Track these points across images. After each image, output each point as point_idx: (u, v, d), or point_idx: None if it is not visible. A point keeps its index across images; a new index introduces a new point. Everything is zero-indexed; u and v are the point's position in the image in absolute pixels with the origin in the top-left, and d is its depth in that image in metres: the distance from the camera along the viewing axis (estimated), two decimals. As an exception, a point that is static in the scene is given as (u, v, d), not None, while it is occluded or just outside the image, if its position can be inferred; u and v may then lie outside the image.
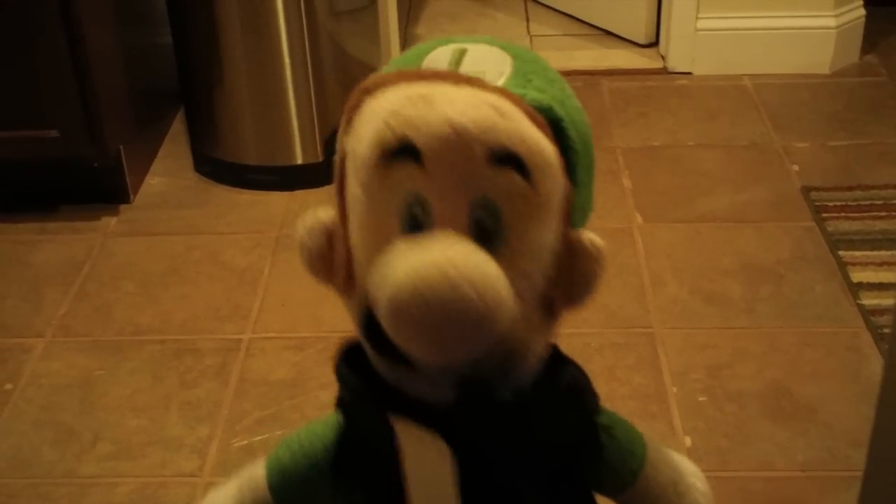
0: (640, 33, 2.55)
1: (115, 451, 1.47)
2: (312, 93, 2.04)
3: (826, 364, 1.57)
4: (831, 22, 2.38)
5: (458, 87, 0.69)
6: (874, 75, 2.40)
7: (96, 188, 2.00)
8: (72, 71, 1.84)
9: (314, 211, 0.74)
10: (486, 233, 0.68)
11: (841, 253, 1.79)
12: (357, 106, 0.71)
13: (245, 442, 1.47)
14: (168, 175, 2.12)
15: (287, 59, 2.00)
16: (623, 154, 2.14)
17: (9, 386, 1.59)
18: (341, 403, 0.80)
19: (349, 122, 0.72)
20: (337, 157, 0.73)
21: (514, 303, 0.68)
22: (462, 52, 0.73)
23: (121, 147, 1.98)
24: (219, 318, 1.71)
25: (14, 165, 1.97)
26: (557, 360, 0.80)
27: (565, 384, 0.78)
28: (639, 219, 1.93)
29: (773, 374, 1.55)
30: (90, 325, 1.71)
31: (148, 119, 2.20)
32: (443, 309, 0.65)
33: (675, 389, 1.53)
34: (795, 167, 2.07)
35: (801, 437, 1.44)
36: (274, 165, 2.07)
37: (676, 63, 2.44)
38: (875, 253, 1.79)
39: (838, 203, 1.93)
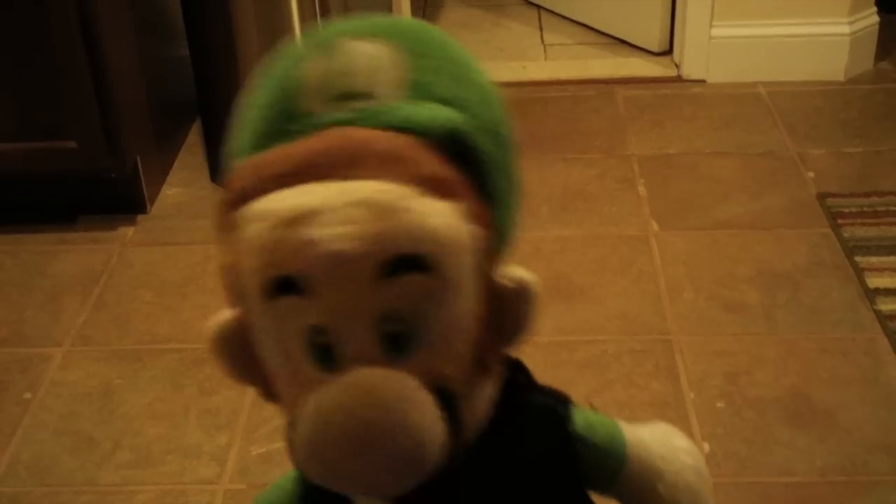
0: (654, 41, 2.56)
1: (135, 460, 1.47)
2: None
3: (843, 370, 1.57)
4: (845, 29, 2.38)
5: (326, 191, 0.61)
6: (889, 82, 2.40)
7: (114, 199, 2.01)
8: (90, 83, 1.85)
9: (217, 317, 0.68)
10: (398, 340, 0.62)
11: (857, 259, 1.79)
12: (228, 224, 0.65)
13: (264, 450, 1.47)
14: (185, 185, 2.13)
15: (303, 70, 2.01)
16: (638, 162, 2.14)
17: (28, 395, 1.60)
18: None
19: (222, 238, 0.66)
20: (222, 268, 0.67)
21: (441, 426, 0.63)
22: (341, 69, 0.64)
23: (138, 158, 1.99)
24: (236, 327, 1.71)
25: (33, 177, 1.98)
26: (511, 390, 0.75)
27: (523, 408, 0.75)
28: (655, 226, 1.93)
29: (791, 381, 1.55)
30: (109, 334, 1.72)
31: (165, 130, 2.21)
32: (370, 465, 0.61)
33: (693, 396, 1.53)
34: (811, 174, 2.06)
35: (820, 442, 1.44)
36: (290, 175, 2.07)
37: (691, 71, 2.45)
38: (891, 259, 1.79)
39: (854, 209, 1.93)
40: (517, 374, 0.77)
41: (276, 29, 1.98)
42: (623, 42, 2.63)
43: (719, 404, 1.51)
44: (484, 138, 0.65)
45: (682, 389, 1.54)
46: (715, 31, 2.41)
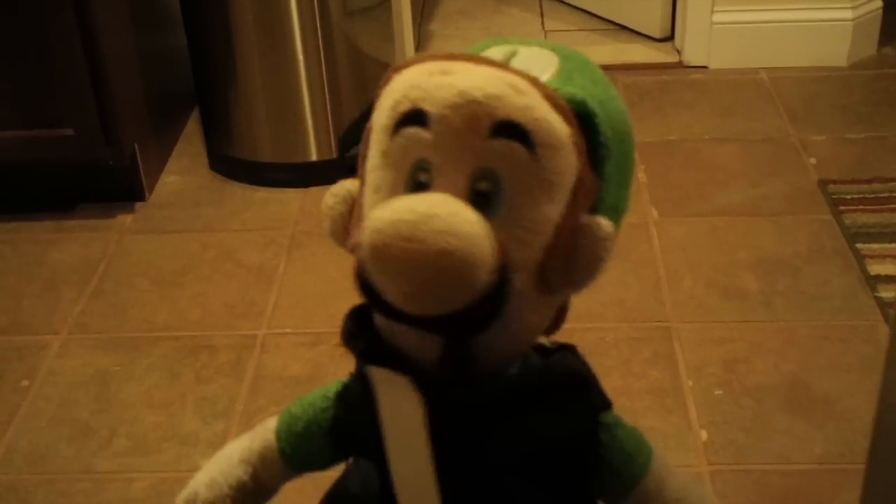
0: (656, 28, 2.54)
1: (132, 447, 1.47)
2: (326, 90, 2.04)
3: (843, 357, 1.56)
4: (848, 14, 2.36)
5: (478, 65, 0.72)
6: (892, 67, 2.38)
7: (112, 187, 2.01)
8: (87, 72, 1.84)
9: (342, 181, 0.78)
10: (486, 199, 0.70)
11: (858, 246, 1.78)
12: (386, 82, 0.75)
13: (260, 438, 1.47)
14: (183, 174, 2.13)
15: (301, 57, 2.00)
16: (639, 148, 2.11)
17: (25, 383, 1.60)
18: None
19: (377, 97, 0.76)
20: (366, 130, 0.77)
21: (494, 261, 0.68)
22: (513, 52, 0.76)
23: (136, 146, 1.99)
24: (234, 315, 1.71)
25: (31, 165, 1.98)
26: (563, 350, 0.80)
27: (563, 372, 0.78)
28: (654, 213, 1.92)
29: (790, 368, 1.55)
30: (106, 322, 1.72)
31: (163, 119, 2.20)
32: (419, 252, 0.66)
33: (691, 383, 1.52)
34: (812, 160, 2.05)
35: (819, 430, 1.43)
36: (288, 163, 2.07)
37: (692, 57, 2.43)
38: (893, 246, 1.78)
39: (856, 196, 1.92)
40: (571, 356, 0.80)
41: (273, 18, 1.97)
42: (624, 28, 2.62)
43: (718, 392, 1.51)
44: (605, 127, 0.73)
45: (681, 377, 1.54)
46: (716, 17, 2.39)
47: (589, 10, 2.71)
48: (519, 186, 0.70)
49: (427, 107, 0.70)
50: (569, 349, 0.81)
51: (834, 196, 1.92)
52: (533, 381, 0.77)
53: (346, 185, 0.77)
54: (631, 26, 2.60)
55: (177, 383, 1.58)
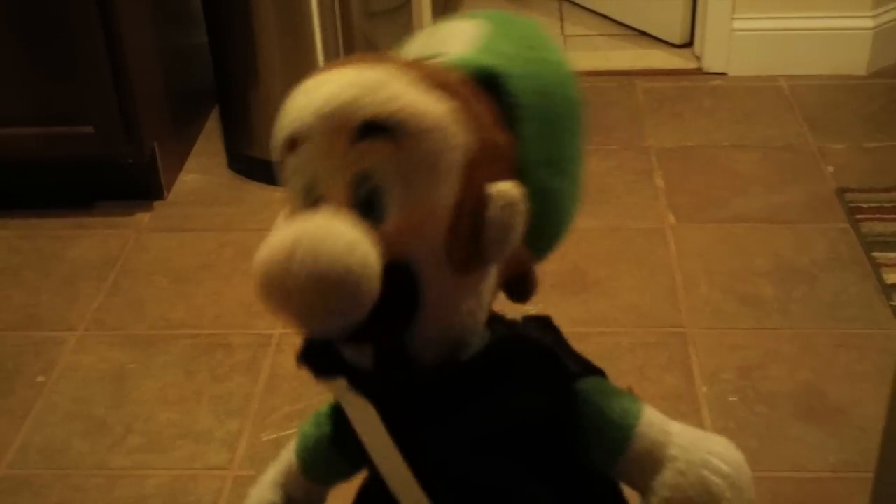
0: (675, 34, 2.54)
1: (146, 444, 1.48)
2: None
3: (859, 366, 1.56)
4: (869, 23, 2.35)
5: (343, 71, 0.73)
6: (912, 77, 2.38)
7: (131, 185, 2.02)
8: (109, 69, 1.86)
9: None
10: (368, 203, 0.71)
11: (875, 254, 1.77)
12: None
13: (274, 436, 1.47)
14: (202, 172, 2.14)
15: (321, 59, 2.01)
16: (657, 154, 2.13)
17: (42, 378, 1.61)
18: None
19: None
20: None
21: (372, 267, 0.69)
22: (433, 33, 0.78)
23: (156, 144, 2.00)
24: (250, 314, 1.72)
25: (51, 162, 1.99)
26: (525, 326, 0.82)
27: (516, 347, 0.78)
28: (672, 219, 1.92)
29: (806, 376, 1.54)
30: (123, 319, 1.73)
31: (183, 117, 2.21)
32: (292, 284, 0.68)
33: (705, 389, 1.52)
34: (830, 168, 2.05)
35: (833, 438, 1.43)
36: (307, 163, 2.08)
37: (711, 63, 2.43)
38: (911, 255, 1.77)
39: (873, 204, 1.91)
40: (533, 328, 0.81)
41: (294, 17, 1.98)
42: (644, 34, 2.61)
43: (732, 398, 1.50)
44: (518, 86, 0.73)
45: (695, 383, 1.53)
46: (736, 24, 2.39)
47: (609, 15, 2.70)
48: (395, 179, 0.70)
49: (297, 129, 0.72)
50: (536, 321, 0.81)
51: (851, 204, 1.91)
52: (487, 360, 0.77)
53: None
54: (651, 32, 2.60)
55: (192, 381, 1.59)
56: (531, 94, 0.74)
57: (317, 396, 1.53)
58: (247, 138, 2.11)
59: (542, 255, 0.79)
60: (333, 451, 0.87)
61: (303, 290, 0.68)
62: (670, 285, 1.74)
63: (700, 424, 1.45)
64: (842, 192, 1.96)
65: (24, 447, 1.48)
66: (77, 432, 1.50)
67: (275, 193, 2.05)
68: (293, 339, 1.71)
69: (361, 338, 0.73)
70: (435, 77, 0.72)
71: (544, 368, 0.78)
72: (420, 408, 0.77)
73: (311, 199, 0.73)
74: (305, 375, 1.64)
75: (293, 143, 0.73)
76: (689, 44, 2.53)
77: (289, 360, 1.62)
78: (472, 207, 0.72)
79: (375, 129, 0.70)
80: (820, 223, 1.88)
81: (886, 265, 1.75)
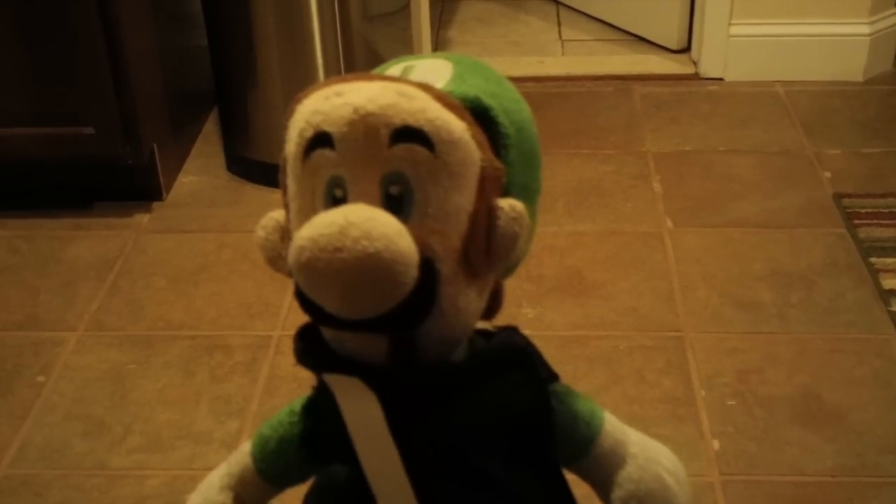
0: (673, 39, 2.55)
1: (146, 444, 1.48)
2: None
3: (856, 371, 1.56)
4: (865, 29, 2.37)
5: (370, 81, 0.77)
6: (908, 83, 2.39)
7: (130, 186, 2.02)
8: (109, 70, 1.86)
9: (269, 213, 0.83)
10: (398, 201, 0.75)
11: (872, 260, 1.78)
12: (291, 114, 0.80)
13: (274, 437, 1.47)
14: (201, 174, 2.14)
15: (320, 61, 2.01)
16: (654, 159, 2.14)
17: (41, 378, 1.61)
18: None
19: (286, 128, 0.81)
20: (281, 161, 0.82)
21: (415, 256, 0.73)
22: (410, 67, 0.82)
23: (155, 146, 2.00)
24: (249, 315, 1.72)
25: (50, 162, 1.99)
26: (501, 331, 0.86)
27: (503, 348, 0.84)
28: (669, 223, 1.93)
29: (803, 380, 1.55)
30: (122, 319, 1.73)
31: (182, 119, 2.22)
32: (342, 261, 0.70)
33: (703, 393, 1.53)
34: (827, 174, 2.06)
35: (831, 443, 1.43)
36: (305, 166, 2.08)
37: (708, 69, 2.44)
38: (907, 260, 1.78)
39: (870, 210, 1.92)
40: (512, 334, 0.86)
41: (293, 20, 1.99)
42: (641, 39, 2.62)
43: (730, 402, 1.51)
44: (502, 117, 0.79)
45: (693, 387, 1.54)
46: (733, 30, 2.40)
47: (606, 20, 2.72)
48: (427, 184, 0.75)
49: (328, 128, 0.75)
50: (510, 329, 0.86)
51: (848, 210, 1.92)
52: (479, 362, 0.83)
53: (273, 216, 0.82)
54: (648, 37, 2.61)
55: (191, 382, 1.59)
56: (511, 127, 0.79)
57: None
58: (245, 140, 2.11)
59: (509, 273, 0.85)
60: (300, 452, 0.88)
61: (354, 269, 0.71)
62: (668, 289, 1.75)
63: (699, 428, 1.46)
64: (839, 197, 1.97)
65: (24, 447, 1.48)
66: (77, 432, 1.50)
67: (273, 195, 2.05)
68: (291, 341, 1.71)
69: (382, 327, 0.75)
70: (445, 99, 0.76)
71: (525, 372, 0.84)
72: (420, 404, 0.80)
73: (331, 197, 0.76)
74: (306, 376, 1.65)
75: (323, 139, 0.75)
76: (686, 49, 2.54)
77: (288, 361, 1.62)
78: (485, 217, 0.77)
79: (411, 134, 0.74)
80: (817, 228, 1.89)
81: (884, 270, 1.76)
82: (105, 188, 2.03)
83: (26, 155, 1.94)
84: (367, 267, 0.71)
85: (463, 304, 0.78)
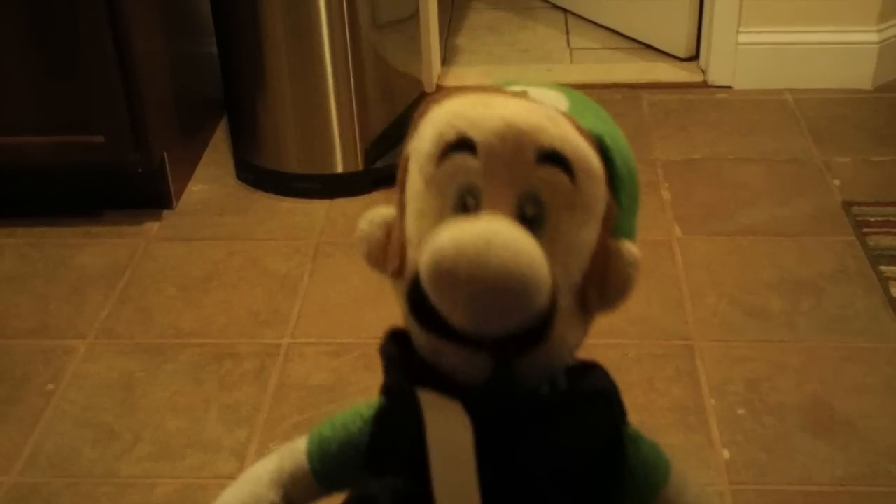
0: (681, 47, 2.55)
1: (155, 452, 1.48)
2: (354, 102, 2.05)
3: (867, 379, 1.56)
4: (874, 37, 2.37)
5: (515, 99, 0.76)
6: (917, 91, 2.38)
7: (140, 194, 2.03)
8: (119, 78, 1.86)
9: (376, 207, 0.81)
10: (530, 223, 0.73)
11: (882, 268, 1.78)
12: (424, 113, 0.79)
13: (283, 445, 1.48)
14: (210, 182, 2.15)
15: (329, 69, 2.02)
16: (663, 166, 2.14)
17: (51, 386, 1.61)
18: (385, 387, 0.84)
19: (416, 126, 0.79)
20: (402, 158, 0.80)
21: (550, 281, 0.72)
22: (524, 91, 0.79)
23: (165, 154, 2.00)
24: (258, 323, 1.73)
25: (60, 170, 2.00)
26: (590, 367, 0.83)
27: (594, 387, 0.82)
28: (678, 231, 1.93)
29: (813, 388, 1.55)
30: (132, 327, 1.73)
31: (192, 127, 2.22)
32: (484, 275, 0.69)
33: (713, 402, 1.52)
34: (837, 182, 2.05)
35: (841, 451, 1.43)
36: (315, 174, 2.09)
37: (717, 77, 2.44)
38: (917, 268, 1.78)
39: (880, 218, 1.92)
40: (596, 371, 0.83)
41: (303, 27, 1.99)
42: (649, 47, 2.62)
43: (740, 411, 1.51)
44: (619, 160, 0.78)
45: (703, 395, 1.54)
46: (742, 38, 2.40)
47: (614, 28, 2.72)
48: (561, 211, 0.74)
49: (474, 135, 0.74)
50: (594, 366, 0.84)
51: (858, 218, 1.92)
52: (570, 399, 0.80)
53: (381, 212, 0.80)
54: (656, 45, 2.61)
55: (201, 390, 1.59)
56: (623, 168, 0.78)
57: (325, 405, 1.54)
58: (254, 149, 2.12)
59: (612, 309, 0.83)
60: (358, 458, 0.86)
61: (494, 284, 0.69)
62: (677, 297, 1.75)
63: (708, 437, 1.46)
64: (848, 205, 1.96)
65: (34, 455, 1.48)
66: (86, 440, 1.51)
67: (282, 203, 2.06)
68: (301, 350, 1.72)
69: (497, 348, 0.74)
70: (584, 132, 0.75)
71: (604, 412, 0.82)
72: (503, 429, 0.78)
73: (461, 205, 0.75)
74: (315, 385, 1.65)
75: (466, 144, 0.74)
76: (694, 57, 2.54)
77: (297, 369, 1.62)
78: (604, 257, 0.76)
79: (556, 158, 0.73)
80: (826, 236, 1.89)
81: (893, 279, 1.75)
82: (115, 196, 2.04)
83: (36, 163, 1.95)
84: (508, 285, 0.69)
85: (569, 338, 0.78)
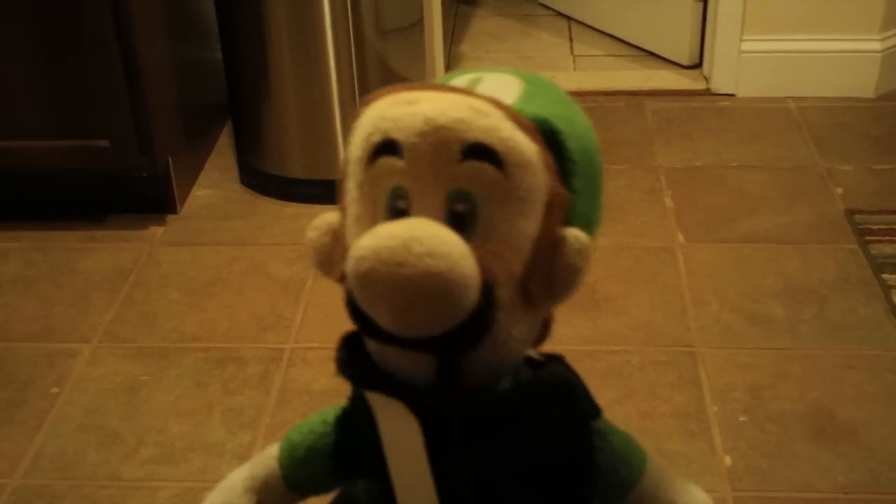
0: (684, 54, 2.56)
1: (158, 456, 1.49)
2: (358, 108, 2.06)
3: (869, 387, 1.56)
4: (877, 46, 2.37)
5: (441, 92, 0.74)
6: (920, 100, 2.39)
7: (144, 198, 2.03)
8: (124, 83, 1.87)
9: (322, 214, 0.80)
10: (462, 220, 0.73)
11: (885, 276, 1.78)
12: (357, 116, 0.78)
13: (286, 450, 1.48)
14: (215, 187, 2.15)
15: (334, 75, 2.02)
16: (665, 174, 2.14)
17: (55, 390, 1.62)
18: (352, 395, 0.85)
19: (353, 130, 0.79)
20: (342, 163, 0.80)
21: (478, 278, 0.71)
22: (478, 79, 0.78)
23: (169, 159, 2.01)
24: (262, 328, 1.73)
25: (65, 175, 2.00)
26: (552, 360, 0.83)
27: (554, 378, 0.81)
28: (681, 238, 1.93)
29: (815, 396, 1.55)
30: (136, 331, 1.74)
31: (196, 132, 2.23)
32: (404, 276, 0.68)
33: (715, 408, 1.53)
34: (839, 190, 2.06)
35: (843, 459, 1.43)
36: (318, 179, 2.09)
37: (720, 84, 2.45)
38: (919, 277, 1.78)
39: (882, 226, 1.92)
40: (559, 366, 0.82)
41: (307, 33, 2.00)
42: (652, 54, 2.63)
43: (742, 418, 1.51)
44: (571, 142, 0.76)
45: (705, 402, 1.54)
46: (745, 46, 2.40)
47: (618, 35, 2.72)
48: (493, 205, 0.73)
49: (397, 135, 0.73)
50: (557, 359, 0.84)
51: (860, 226, 1.92)
52: (524, 393, 0.80)
53: (327, 218, 0.79)
54: (659, 53, 2.62)
55: (204, 394, 1.60)
56: (579, 152, 0.76)
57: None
58: (258, 154, 2.12)
59: (561, 300, 0.82)
60: (328, 463, 0.86)
61: (414, 286, 0.68)
62: (680, 304, 1.75)
63: (710, 444, 1.46)
64: (851, 213, 1.97)
65: (38, 458, 1.49)
66: (90, 443, 1.51)
67: (286, 208, 2.07)
68: (304, 354, 1.72)
69: (433, 348, 0.74)
70: (517, 119, 0.74)
71: (568, 406, 0.81)
72: (458, 430, 0.78)
73: (393, 208, 0.74)
74: (318, 389, 1.66)
75: (391, 146, 0.73)
76: (697, 65, 2.55)
77: (301, 373, 1.63)
78: (549, 246, 0.74)
79: (482, 152, 0.72)
80: (829, 244, 1.89)
81: None
82: (119, 200, 2.05)
83: (41, 167, 1.96)
84: (428, 286, 0.69)
85: (516, 332, 0.76)
